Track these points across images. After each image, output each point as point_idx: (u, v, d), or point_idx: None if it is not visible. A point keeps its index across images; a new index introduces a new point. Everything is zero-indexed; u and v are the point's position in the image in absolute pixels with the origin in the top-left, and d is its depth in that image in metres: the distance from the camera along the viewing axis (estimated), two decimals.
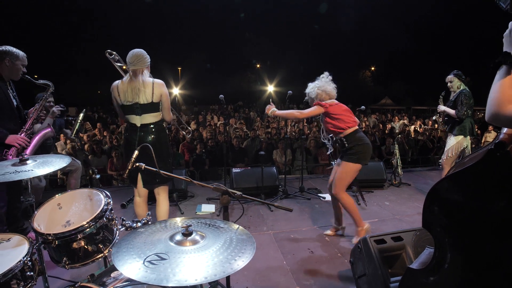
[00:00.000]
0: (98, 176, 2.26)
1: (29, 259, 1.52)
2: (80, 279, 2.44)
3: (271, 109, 3.28)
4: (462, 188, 1.46)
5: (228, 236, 1.46)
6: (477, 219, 1.43)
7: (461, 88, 4.04)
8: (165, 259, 1.23)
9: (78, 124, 1.98)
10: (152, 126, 2.86)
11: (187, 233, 1.39)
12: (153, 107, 2.85)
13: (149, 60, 2.88)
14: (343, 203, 3.15)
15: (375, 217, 3.85)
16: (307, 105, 3.29)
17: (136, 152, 1.73)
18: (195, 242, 1.36)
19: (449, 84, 4.15)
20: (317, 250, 3.19)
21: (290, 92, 4.42)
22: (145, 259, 1.22)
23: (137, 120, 2.82)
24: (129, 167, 1.69)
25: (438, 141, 8.54)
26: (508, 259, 1.37)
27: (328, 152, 3.46)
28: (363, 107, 4.03)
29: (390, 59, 31.20)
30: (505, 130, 1.34)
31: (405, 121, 12.41)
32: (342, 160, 3.14)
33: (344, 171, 3.09)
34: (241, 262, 1.28)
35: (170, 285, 1.10)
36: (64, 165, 1.82)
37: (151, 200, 3.11)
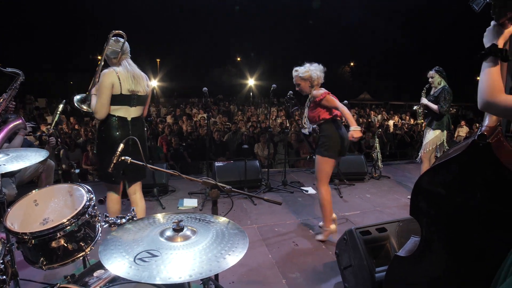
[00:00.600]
0: (77, 171, 2.13)
1: (1, 261, 1.41)
2: (58, 280, 2.33)
3: (356, 132, 2.91)
4: (447, 178, 1.50)
5: (220, 230, 1.42)
6: (461, 209, 1.47)
7: (443, 85, 4.14)
8: (156, 256, 1.17)
9: (57, 116, 1.84)
10: (140, 120, 2.78)
11: (178, 229, 1.33)
12: (145, 99, 2.78)
13: None
14: (320, 197, 3.12)
15: (357, 209, 3.92)
16: (298, 95, 3.21)
17: (121, 145, 1.65)
18: (186, 237, 1.32)
19: (430, 79, 4.25)
20: (301, 243, 3.20)
21: (274, 86, 4.40)
22: (136, 256, 1.16)
23: (129, 112, 2.65)
24: (115, 161, 1.60)
25: (417, 136, 8.81)
26: (491, 250, 1.40)
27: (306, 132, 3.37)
28: (346, 101, 4.06)
29: (369, 55, 31.83)
30: (486, 123, 1.40)
31: (384, 116, 12.74)
32: (315, 153, 3.13)
33: (317, 165, 3.09)
34: (235, 257, 1.25)
35: (162, 283, 1.05)
36: (41, 159, 1.70)
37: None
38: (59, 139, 1.84)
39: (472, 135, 1.48)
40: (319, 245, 3.15)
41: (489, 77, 1.20)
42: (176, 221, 1.35)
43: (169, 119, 10.71)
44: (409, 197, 4.51)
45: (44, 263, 1.46)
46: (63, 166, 6.07)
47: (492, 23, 1.28)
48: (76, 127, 8.69)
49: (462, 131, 9.48)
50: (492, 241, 1.40)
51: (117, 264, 1.12)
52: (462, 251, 1.50)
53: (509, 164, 1.31)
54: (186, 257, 1.18)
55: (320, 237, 3.24)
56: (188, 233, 1.35)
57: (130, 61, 2.70)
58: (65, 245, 1.51)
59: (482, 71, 1.24)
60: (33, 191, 1.68)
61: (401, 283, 1.77)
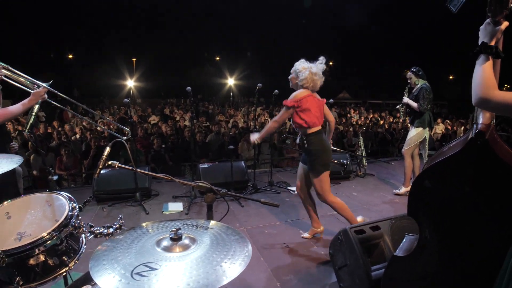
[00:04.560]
0: (55, 178, 1.96)
1: None
2: None
3: (254, 138, 3.03)
4: (446, 176, 1.51)
5: (220, 237, 1.32)
6: (460, 206, 1.48)
7: (421, 83, 4.24)
8: (156, 269, 1.07)
9: (32, 117, 1.67)
10: None
11: (176, 238, 1.23)
12: None
13: None
14: (333, 207, 3.00)
15: None
16: (286, 95, 3.08)
17: (108, 149, 1.51)
18: (186, 247, 1.22)
19: (409, 80, 4.36)
20: (292, 244, 3.15)
21: (259, 85, 4.33)
22: (132, 271, 1.05)
23: None
24: (101, 166, 1.47)
25: (397, 133, 9.00)
26: (482, 246, 1.44)
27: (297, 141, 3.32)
28: (331, 100, 4.07)
29: (347, 54, 32.24)
30: (480, 120, 1.42)
31: (364, 115, 13.02)
32: (309, 170, 2.98)
33: (319, 182, 2.94)
34: (239, 266, 1.17)
35: None
36: (15, 165, 1.53)
37: None
38: (35, 143, 1.67)
39: (466, 132, 1.51)
40: (311, 245, 3.11)
41: (482, 74, 1.23)
42: (174, 229, 1.25)
43: (155, 119, 10.45)
44: (395, 192, 4.62)
45: (21, 283, 1.29)
46: (34, 172, 5.73)
47: (487, 21, 1.29)
48: (49, 129, 8.25)
49: (439, 128, 9.78)
50: (488, 236, 1.42)
51: (112, 281, 1.01)
52: (458, 247, 1.52)
53: (506, 159, 1.34)
54: (188, 268, 1.09)
55: (306, 234, 3.27)
56: (187, 242, 1.25)
57: None
58: (45, 261, 1.36)
59: (476, 68, 1.27)
60: (5, 202, 1.50)
61: (399, 281, 1.78)
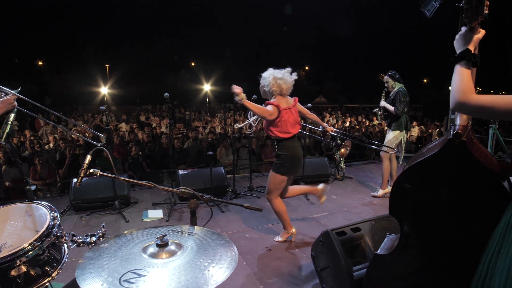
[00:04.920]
0: (33, 187, 1.90)
1: None
2: None
3: (242, 95, 2.81)
4: (425, 176, 1.55)
5: (206, 242, 1.34)
6: (439, 204, 1.52)
7: (398, 87, 4.36)
8: (143, 275, 1.07)
9: (8, 126, 1.61)
10: None
11: (162, 244, 1.24)
12: None
13: None
14: (273, 208, 3.15)
15: (325, 211, 3.99)
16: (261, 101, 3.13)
17: (88, 157, 1.50)
18: (173, 253, 1.23)
19: (386, 84, 4.49)
20: (274, 247, 3.18)
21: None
22: (120, 278, 1.05)
23: None
24: (82, 175, 1.45)
25: (374, 137, 9.25)
26: (460, 244, 1.48)
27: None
28: (309, 104, 4.17)
29: (324, 58, 33.00)
30: (458, 122, 1.47)
31: (341, 119, 13.29)
32: (272, 169, 3.08)
33: (272, 181, 3.05)
34: (226, 269, 1.20)
35: None
36: None
37: None
38: (11, 153, 1.62)
39: (444, 134, 1.57)
40: (292, 248, 3.16)
41: (461, 80, 1.27)
42: (160, 236, 1.25)
43: (122, 127, 10.19)
44: (373, 194, 4.73)
45: None
46: (6, 183, 5.47)
47: (463, 28, 1.35)
48: (21, 138, 7.90)
49: (414, 131, 10.11)
50: (467, 235, 1.46)
51: None
52: (438, 245, 1.55)
53: (482, 159, 1.40)
54: (176, 273, 1.10)
55: (278, 238, 3.31)
56: (173, 247, 1.26)
57: None
58: (27, 271, 1.32)
59: (455, 73, 1.30)
60: None
61: (381, 280, 1.81)
